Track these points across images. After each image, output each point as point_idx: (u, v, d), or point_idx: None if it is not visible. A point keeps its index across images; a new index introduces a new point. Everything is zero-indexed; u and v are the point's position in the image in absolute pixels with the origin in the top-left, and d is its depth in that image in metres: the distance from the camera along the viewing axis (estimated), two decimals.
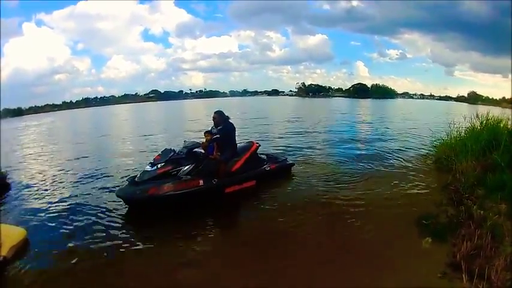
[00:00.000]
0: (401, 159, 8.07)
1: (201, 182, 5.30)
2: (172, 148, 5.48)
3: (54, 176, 7.44)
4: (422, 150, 8.90)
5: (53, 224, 4.69)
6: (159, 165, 5.15)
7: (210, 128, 5.91)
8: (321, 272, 3.51)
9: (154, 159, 5.34)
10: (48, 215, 5.02)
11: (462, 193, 4.91)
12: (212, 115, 5.83)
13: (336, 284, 3.33)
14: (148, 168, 5.21)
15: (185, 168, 5.27)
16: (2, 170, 7.00)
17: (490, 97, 33.27)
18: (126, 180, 5.43)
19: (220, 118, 5.73)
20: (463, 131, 6.66)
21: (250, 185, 5.91)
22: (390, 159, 8.19)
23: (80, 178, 7.07)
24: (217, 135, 5.56)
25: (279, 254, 3.92)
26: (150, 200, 4.95)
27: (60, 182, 6.88)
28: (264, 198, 5.61)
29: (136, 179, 5.16)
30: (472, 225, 3.87)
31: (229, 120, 5.82)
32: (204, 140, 5.76)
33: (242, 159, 5.92)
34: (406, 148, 9.53)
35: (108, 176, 7.13)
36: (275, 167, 6.44)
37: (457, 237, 3.75)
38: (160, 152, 5.46)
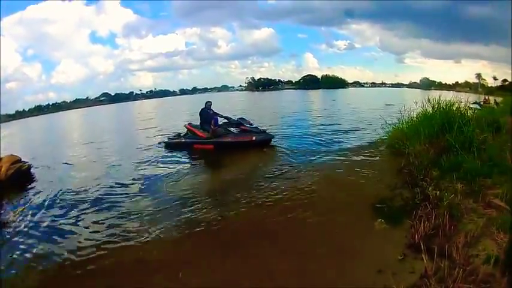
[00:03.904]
0: (354, 147, 8.09)
1: None
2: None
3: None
4: (374, 136, 8.99)
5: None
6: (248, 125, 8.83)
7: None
8: (281, 259, 3.37)
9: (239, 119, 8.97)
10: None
11: (416, 175, 4.92)
12: (207, 102, 9.02)
13: (298, 275, 3.11)
14: (249, 125, 8.82)
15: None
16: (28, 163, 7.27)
17: (443, 82, 35.69)
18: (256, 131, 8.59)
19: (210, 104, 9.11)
20: (415, 115, 6.72)
21: None
22: (342, 147, 8.19)
23: None
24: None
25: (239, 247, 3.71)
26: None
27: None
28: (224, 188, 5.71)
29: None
30: (428, 205, 3.84)
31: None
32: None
33: None
34: (357, 136, 9.68)
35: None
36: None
37: (414, 219, 3.67)
38: (242, 119, 8.99)
